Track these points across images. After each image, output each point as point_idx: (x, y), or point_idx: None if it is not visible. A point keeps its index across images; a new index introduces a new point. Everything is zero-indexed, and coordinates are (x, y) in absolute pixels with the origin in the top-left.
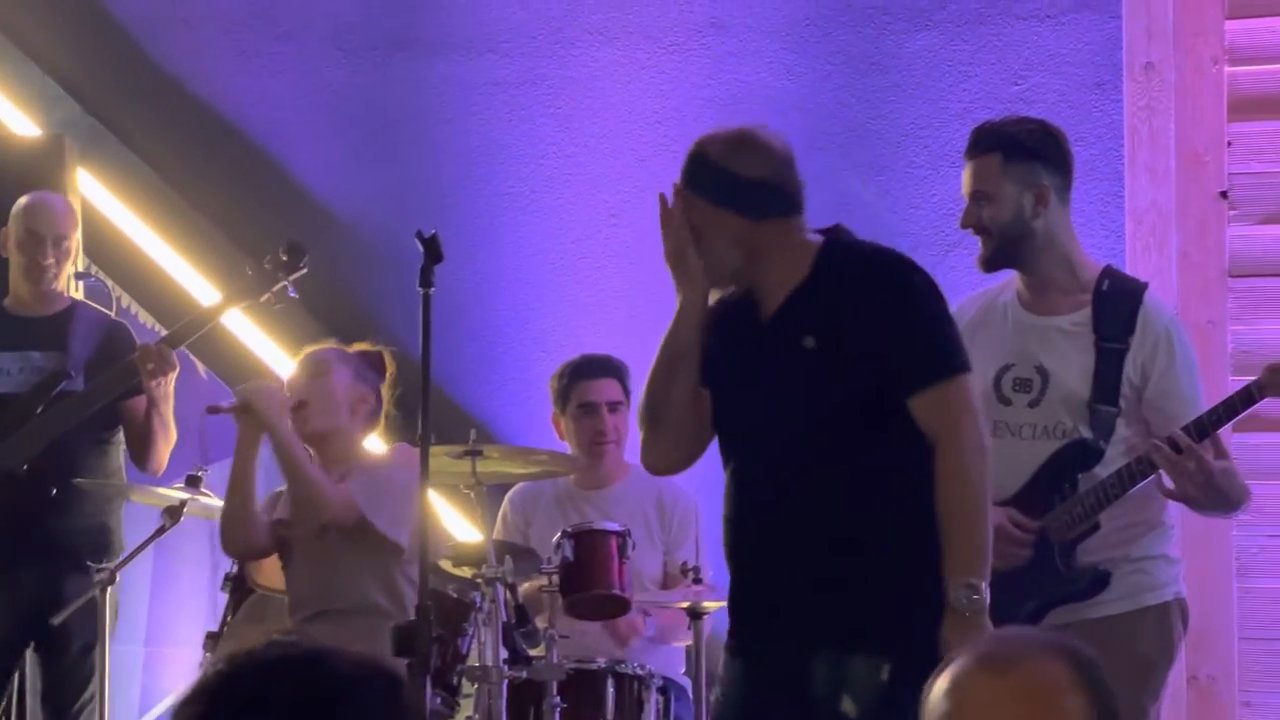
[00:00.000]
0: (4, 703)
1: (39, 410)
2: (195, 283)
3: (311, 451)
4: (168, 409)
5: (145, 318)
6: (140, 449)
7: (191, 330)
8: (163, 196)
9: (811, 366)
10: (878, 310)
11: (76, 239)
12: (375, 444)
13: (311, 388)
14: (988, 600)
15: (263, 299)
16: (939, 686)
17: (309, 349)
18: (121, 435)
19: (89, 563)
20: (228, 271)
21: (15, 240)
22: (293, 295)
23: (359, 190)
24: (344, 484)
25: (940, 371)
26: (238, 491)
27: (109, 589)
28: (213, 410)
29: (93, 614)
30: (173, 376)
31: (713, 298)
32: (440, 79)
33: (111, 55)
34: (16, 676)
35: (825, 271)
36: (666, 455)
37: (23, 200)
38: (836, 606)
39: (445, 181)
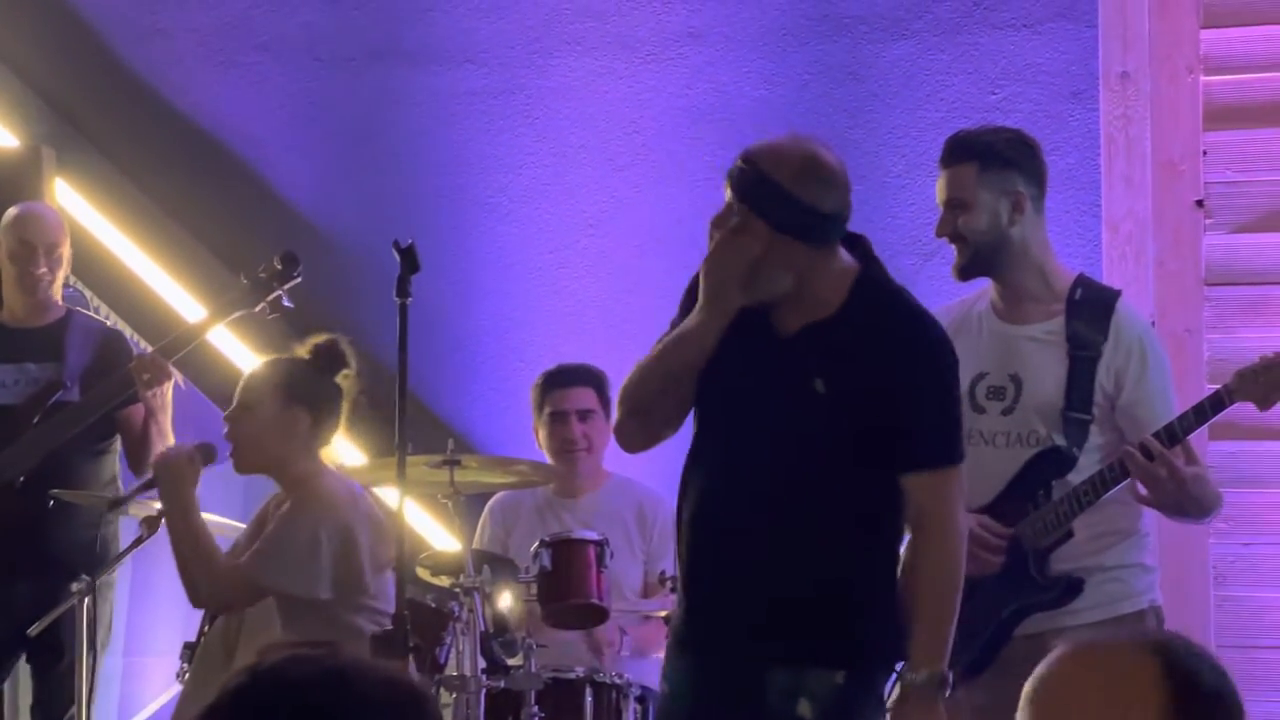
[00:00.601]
0: None
1: (35, 421)
2: (173, 293)
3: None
4: (165, 418)
5: (122, 327)
6: (138, 458)
7: (186, 340)
8: (140, 206)
9: (814, 406)
10: (900, 379)
11: (68, 248)
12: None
13: (236, 433)
14: (949, 688)
15: (257, 309)
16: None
17: (249, 370)
18: (118, 444)
19: (84, 574)
20: (205, 281)
21: (7, 251)
22: (288, 305)
23: (336, 200)
24: (238, 562)
25: (944, 458)
26: (189, 550)
27: (89, 599)
28: (123, 500)
29: (90, 624)
30: (169, 386)
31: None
32: (418, 89)
33: (87, 64)
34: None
35: (854, 313)
36: (641, 441)
37: (12, 211)
38: (793, 619)
39: (423, 192)
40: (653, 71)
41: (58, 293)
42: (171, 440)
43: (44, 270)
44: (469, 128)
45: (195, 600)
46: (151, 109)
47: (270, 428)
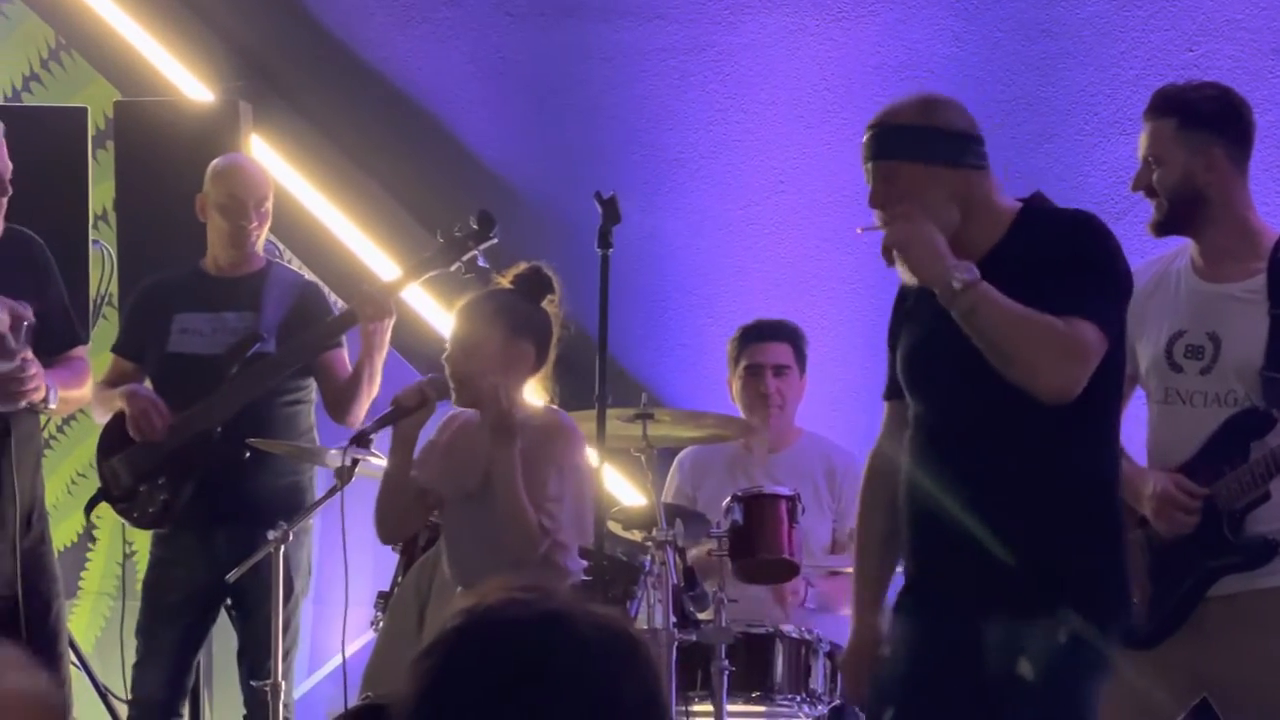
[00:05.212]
0: (196, 658)
1: (233, 372)
2: (365, 246)
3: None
4: (380, 358)
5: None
6: (341, 401)
7: (390, 291)
8: (332, 161)
9: None
10: (1055, 254)
11: (272, 201)
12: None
13: (467, 364)
14: (962, 294)
15: (452, 268)
16: None
17: (463, 302)
18: (314, 395)
19: (282, 522)
20: (396, 235)
21: (216, 204)
22: (483, 265)
23: (525, 156)
24: (548, 520)
25: (1080, 309)
26: (398, 483)
27: (284, 548)
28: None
29: (287, 573)
30: (389, 324)
31: None
32: (607, 45)
33: (281, 19)
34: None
35: (1021, 235)
36: None
37: (219, 164)
38: (1011, 572)
39: (612, 147)
40: (843, 29)
41: (260, 245)
42: (377, 384)
43: (254, 224)
44: (658, 84)
45: (417, 519)
46: (343, 64)
47: (498, 361)
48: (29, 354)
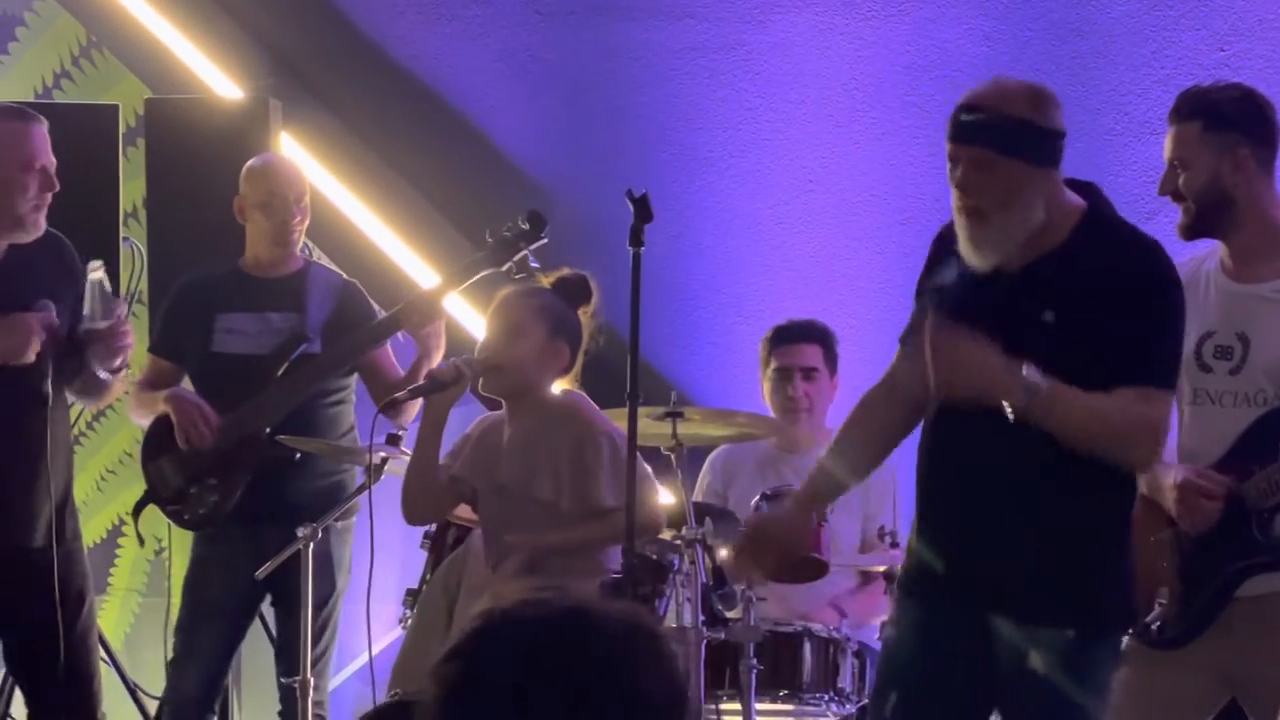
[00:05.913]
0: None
1: (280, 372)
2: (393, 244)
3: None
4: (438, 359)
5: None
6: (396, 401)
7: (439, 294)
8: (362, 159)
9: (1043, 338)
10: (1125, 306)
11: (308, 196)
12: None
13: (505, 352)
14: (1024, 397)
15: (504, 268)
16: None
17: (506, 293)
18: (354, 395)
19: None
20: (427, 234)
21: (257, 204)
22: (534, 265)
23: (555, 154)
24: (607, 495)
25: (1149, 377)
26: (426, 463)
27: (328, 545)
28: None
29: (328, 569)
30: (441, 325)
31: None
32: (638, 44)
33: (311, 17)
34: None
35: (1084, 245)
36: None
37: (254, 164)
38: (1022, 576)
39: (641, 146)
40: (873, 28)
41: (300, 243)
42: None
43: (297, 219)
44: (689, 83)
45: (444, 501)
46: (373, 62)
47: (535, 355)
48: (123, 310)
